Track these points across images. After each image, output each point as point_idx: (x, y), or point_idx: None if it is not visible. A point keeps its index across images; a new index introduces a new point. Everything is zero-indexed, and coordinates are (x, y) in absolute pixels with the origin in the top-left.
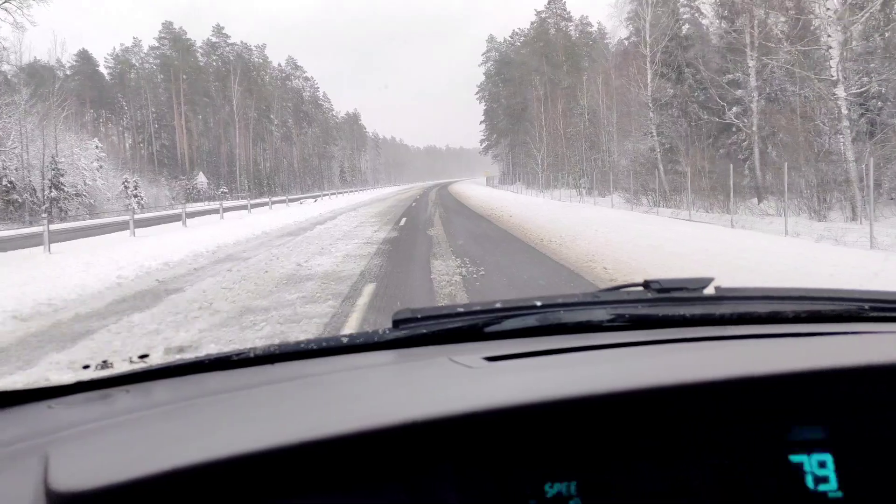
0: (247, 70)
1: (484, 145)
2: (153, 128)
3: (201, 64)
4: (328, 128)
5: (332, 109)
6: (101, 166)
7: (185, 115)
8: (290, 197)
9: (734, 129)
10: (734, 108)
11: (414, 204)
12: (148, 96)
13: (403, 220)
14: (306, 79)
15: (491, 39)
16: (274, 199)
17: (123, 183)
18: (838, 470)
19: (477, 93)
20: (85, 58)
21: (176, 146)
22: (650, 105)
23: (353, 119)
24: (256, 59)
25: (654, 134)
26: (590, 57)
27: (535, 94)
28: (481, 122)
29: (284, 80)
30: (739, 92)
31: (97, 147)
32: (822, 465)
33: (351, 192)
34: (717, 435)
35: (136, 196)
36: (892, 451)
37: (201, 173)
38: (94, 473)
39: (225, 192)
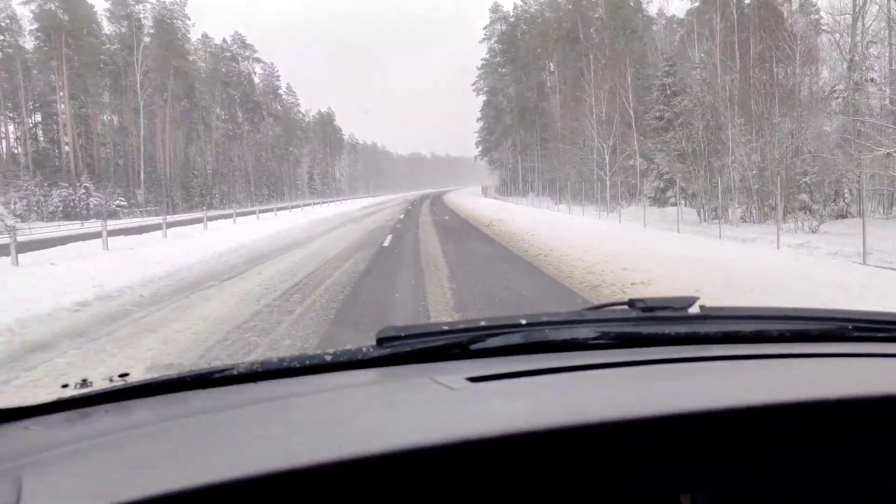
0: (169, 42)
1: (480, 149)
2: (32, 118)
3: (106, 32)
4: (292, 126)
5: (298, 104)
6: None
7: (69, 98)
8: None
9: None
10: None
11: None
12: (20, 76)
13: None
14: (258, 60)
15: (495, 9)
16: (175, 217)
17: None
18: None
19: (474, 83)
20: None
21: (62, 144)
22: None
23: (327, 119)
24: (178, 23)
25: None
26: (646, 17)
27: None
28: (478, 121)
29: (229, 60)
30: None
31: None
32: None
33: (306, 206)
34: (700, 462)
35: None
36: (870, 475)
37: None
38: (68, 501)
39: (121, 206)
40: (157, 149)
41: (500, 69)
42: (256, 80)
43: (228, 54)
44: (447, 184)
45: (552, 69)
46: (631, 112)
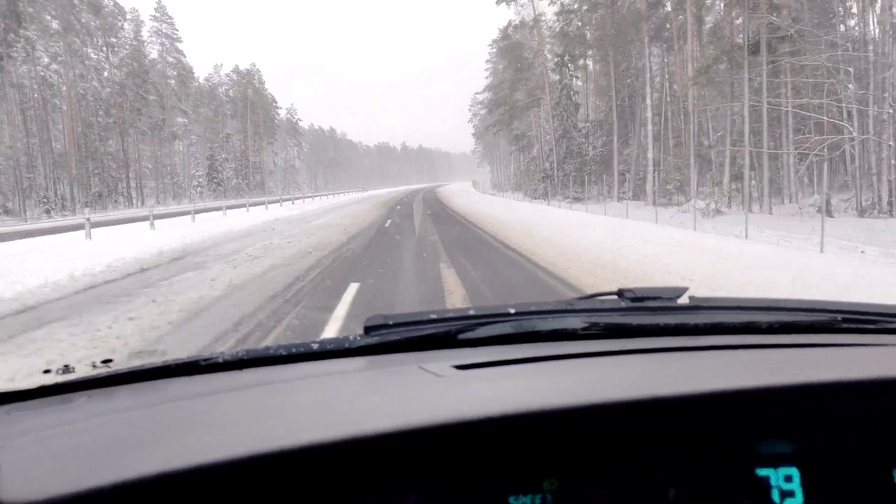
0: None
1: (495, 116)
2: None
3: None
4: (160, 81)
5: (178, 39)
6: None
7: None
8: None
9: None
10: None
11: None
12: None
13: None
14: None
15: None
16: None
17: None
18: (805, 484)
19: None
20: None
21: None
22: None
23: (247, 81)
24: None
25: None
26: None
27: None
28: (487, 63)
29: None
30: None
31: None
32: (789, 479)
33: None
34: (685, 449)
35: None
36: (858, 466)
37: None
38: (46, 483)
39: None
40: None
41: None
42: None
43: None
44: (422, 178)
45: None
46: None
